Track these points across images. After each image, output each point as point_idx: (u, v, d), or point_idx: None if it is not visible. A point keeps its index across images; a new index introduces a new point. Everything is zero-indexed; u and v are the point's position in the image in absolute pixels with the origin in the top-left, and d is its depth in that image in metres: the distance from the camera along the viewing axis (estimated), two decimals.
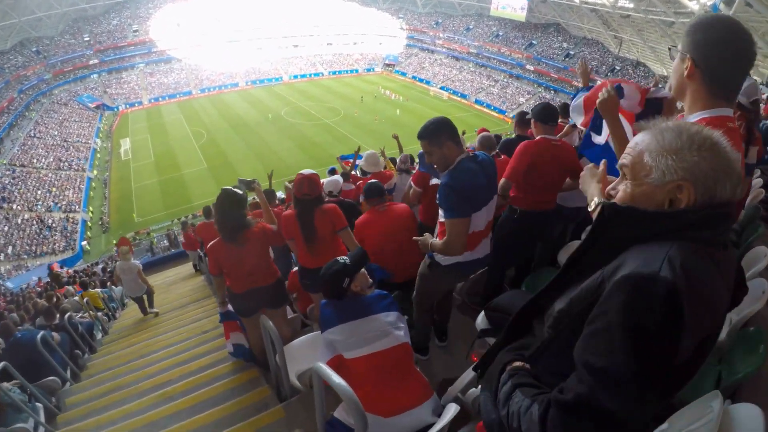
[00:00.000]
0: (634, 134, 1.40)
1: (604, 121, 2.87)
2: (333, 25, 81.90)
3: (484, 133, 5.52)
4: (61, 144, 44.94)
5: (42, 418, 4.93)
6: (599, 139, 3.23)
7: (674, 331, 1.09)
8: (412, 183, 5.09)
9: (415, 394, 2.54)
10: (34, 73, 56.31)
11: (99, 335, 9.13)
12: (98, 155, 46.03)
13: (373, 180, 4.77)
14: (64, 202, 34.55)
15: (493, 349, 1.71)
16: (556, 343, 1.44)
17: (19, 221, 30.94)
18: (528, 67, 61.50)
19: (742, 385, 2.64)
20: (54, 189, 36.09)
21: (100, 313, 10.15)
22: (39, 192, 35.20)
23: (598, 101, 2.66)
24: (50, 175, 38.46)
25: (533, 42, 63.89)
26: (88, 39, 64.36)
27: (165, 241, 25.25)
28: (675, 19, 38.78)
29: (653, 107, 3.03)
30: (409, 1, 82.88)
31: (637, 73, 52.02)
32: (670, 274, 1.09)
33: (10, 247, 28.19)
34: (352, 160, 10.59)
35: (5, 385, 4.89)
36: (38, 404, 5.16)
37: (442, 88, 65.62)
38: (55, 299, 9.99)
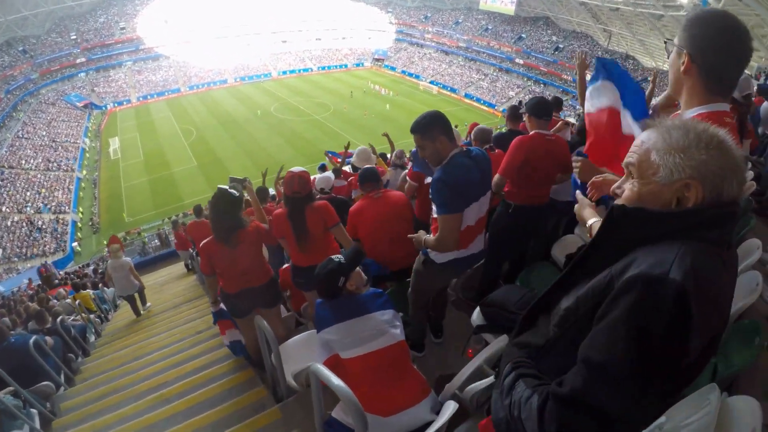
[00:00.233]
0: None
1: None
2: (322, 20, 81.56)
3: (480, 126, 5.51)
4: (50, 144, 44.47)
5: (37, 424, 4.88)
6: None
7: (682, 333, 1.09)
8: (407, 177, 5.08)
9: (412, 393, 2.53)
10: (20, 73, 55.62)
11: (92, 338, 9.05)
12: (87, 155, 45.62)
13: (368, 166, 4.70)
14: (53, 203, 34.23)
15: (512, 340, 1.74)
16: (561, 342, 1.45)
17: (9, 224, 30.62)
18: (517, 60, 61.56)
19: (739, 378, 2.66)
20: (43, 190, 35.75)
21: (92, 316, 10.08)
22: (28, 193, 34.85)
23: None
24: (39, 176, 38.07)
25: (522, 36, 63.93)
26: (75, 37, 63.66)
27: (156, 241, 25.13)
28: (664, 12, 38.91)
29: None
30: None
31: (627, 66, 52.17)
32: (680, 276, 1.09)
33: (0, 250, 27.91)
34: (341, 158, 10.55)
35: None
36: (33, 410, 5.10)
37: (431, 82, 65.59)
38: (46, 302, 9.94)
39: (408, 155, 7.82)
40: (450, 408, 2.40)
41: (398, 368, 2.59)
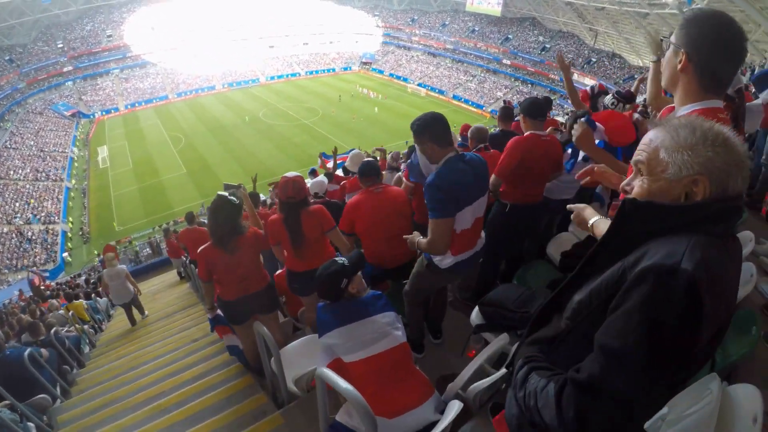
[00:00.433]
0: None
1: None
2: (309, 25, 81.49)
3: (477, 125, 5.51)
4: (38, 154, 44.06)
5: None
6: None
7: (694, 322, 1.14)
8: (403, 177, 5.07)
9: (416, 394, 2.54)
10: (7, 83, 54.99)
11: (86, 349, 8.97)
12: (76, 164, 45.22)
13: (369, 159, 4.67)
14: (43, 214, 33.89)
15: (520, 346, 1.78)
16: (573, 335, 1.49)
17: None
18: (504, 61, 61.86)
19: (737, 368, 2.69)
20: (32, 201, 35.37)
21: (86, 326, 10.00)
22: (17, 204, 34.47)
23: (574, 138, 2.74)
24: (28, 186, 37.68)
25: (509, 36, 64.23)
26: (61, 46, 63.14)
27: (147, 249, 24.99)
28: (649, 10, 39.24)
29: None
30: None
31: (613, 65, 52.59)
32: (691, 267, 1.13)
33: None
34: (331, 162, 10.54)
35: None
36: (30, 424, 5.05)
37: (419, 84, 65.75)
38: (39, 313, 9.86)
39: (402, 157, 7.84)
40: (455, 407, 2.40)
41: (401, 370, 2.60)
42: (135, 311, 10.10)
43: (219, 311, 4.68)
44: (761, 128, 5.88)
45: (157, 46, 70.20)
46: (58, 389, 6.27)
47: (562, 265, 4.26)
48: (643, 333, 1.16)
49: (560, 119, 9.76)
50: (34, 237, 30.88)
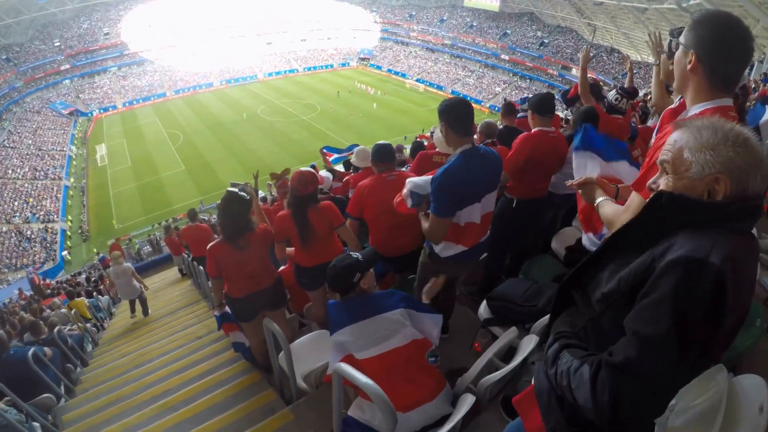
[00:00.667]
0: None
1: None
2: (306, 21, 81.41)
3: (487, 120, 5.52)
4: (36, 153, 44.00)
5: None
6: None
7: (718, 313, 1.22)
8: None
9: (429, 388, 2.54)
10: (5, 82, 54.85)
11: (89, 347, 8.95)
12: (74, 162, 45.12)
13: (384, 142, 4.59)
14: (42, 213, 33.89)
15: (550, 322, 1.83)
16: (603, 318, 1.56)
17: None
18: (503, 56, 61.84)
19: (742, 359, 2.73)
20: (31, 199, 35.34)
21: (88, 324, 10.02)
22: (16, 203, 34.45)
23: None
24: (26, 185, 37.62)
25: (507, 32, 64.17)
26: (58, 44, 62.91)
27: (148, 247, 24.98)
28: (648, 5, 39.10)
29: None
30: None
31: (612, 60, 52.63)
32: (719, 261, 1.21)
33: None
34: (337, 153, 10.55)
35: (0, 405, 4.79)
36: (35, 423, 5.05)
37: (417, 80, 65.76)
38: (40, 312, 9.87)
39: (407, 152, 7.84)
40: (467, 400, 2.42)
41: (414, 365, 2.60)
42: (139, 307, 10.24)
43: (227, 308, 4.67)
44: None
45: (155, 44, 70.04)
46: (62, 388, 6.24)
47: (566, 260, 4.28)
48: (673, 318, 1.23)
49: (560, 114, 9.80)
50: (33, 236, 30.86)
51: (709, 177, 1.33)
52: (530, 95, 6.62)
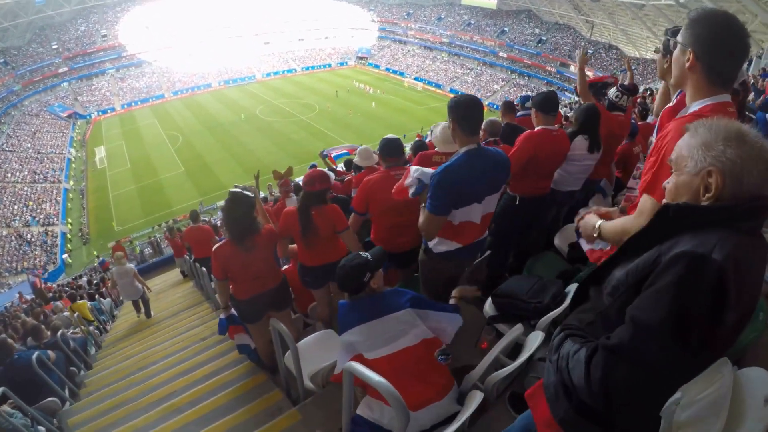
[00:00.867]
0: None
1: None
2: (304, 21, 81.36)
3: (492, 118, 5.53)
4: (35, 156, 43.97)
5: None
6: None
7: (717, 307, 1.26)
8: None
9: (438, 387, 2.55)
10: (3, 85, 54.72)
11: (92, 350, 8.97)
12: (73, 165, 45.12)
13: (393, 136, 4.58)
14: (41, 216, 33.88)
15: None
16: (611, 310, 1.61)
17: None
18: (501, 54, 61.84)
19: (745, 354, 2.75)
20: (31, 203, 35.35)
21: (91, 327, 10.04)
22: (16, 207, 34.44)
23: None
24: (26, 188, 37.62)
25: (505, 29, 64.15)
26: (56, 47, 62.87)
27: (148, 248, 24.97)
28: (645, 1, 39.11)
29: None
30: None
31: (610, 56, 52.65)
32: (721, 258, 1.25)
33: None
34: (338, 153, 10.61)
35: (6, 409, 4.78)
36: (41, 428, 5.05)
37: (416, 78, 65.74)
38: (42, 316, 9.89)
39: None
40: (476, 398, 2.43)
41: (424, 364, 2.60)
42: (142, 306, 10.41)
43: (232, 310, 4.66)
44: None
45: (152, 45, 69.95)
46: (66, 392, 6.26)
47: (570, 256, 4.31)
48: (671, 310, 1.27)
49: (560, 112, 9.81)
50: (33, 239, 30.88)
51: (702, 171, 1.39)
52: (529, 94, 6.63)
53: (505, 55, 61.34)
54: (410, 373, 2.54)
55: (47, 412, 5.54)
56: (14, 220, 32.70)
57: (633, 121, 5.69)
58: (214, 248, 4.11)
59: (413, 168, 3.34)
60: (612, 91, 5.15)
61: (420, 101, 56.08)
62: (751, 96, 7.01)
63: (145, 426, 4.72)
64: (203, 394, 4.94)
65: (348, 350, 2.60)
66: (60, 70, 61.93)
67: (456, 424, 2.37)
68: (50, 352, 6.29)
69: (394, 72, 70.65)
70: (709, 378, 1.65)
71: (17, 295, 19.13)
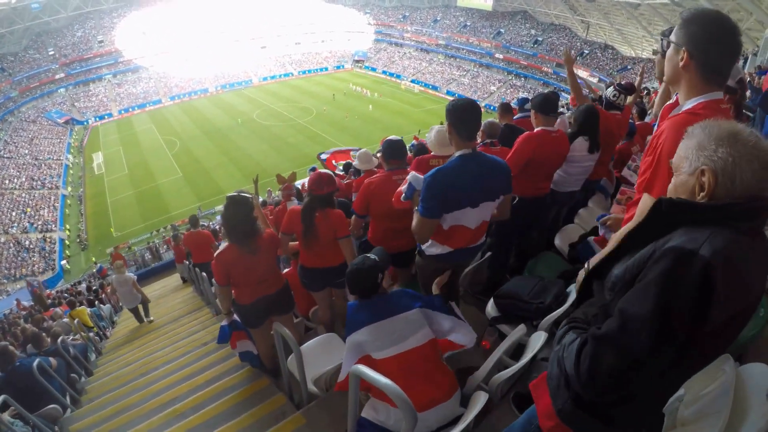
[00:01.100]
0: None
1: None
2: (300, 24, 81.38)
3: (490, 120, 5.54)
4: (33, 162, 43.84)
5: None
6: None
7: (703, 303, 1.28)
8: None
9: (444, 388, 2.56)
10: None
11: (92, 356, 8.93)
12: (71, 171, 45.00)
13: (396, 138, 4.58)
14: (39, 222, 33.81)
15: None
16: (611, 304, 1.63)
17: None
18: (497, 55, 61.94)
19: (746, 350, 2.77)
20: (29, 209, 35.24)
21: (91, 334, 10.02)
22: (14, 213, 34.32)
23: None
24: (24, 195, 37.51)
25: (501, 30, 64.27)
26: (52, 53, 62.70)
27: (147, 254, 24.92)
28: (640, 1, 39.24)
29: None
30: None
31: (606, 56, 52.74)
32: (708, 254, 1.27)
33: None
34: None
35: (6, 418, 4.76)
36: None
37: (413, 81, 65.87)
38: (43, 323, 9.88)
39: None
40: (481, 399, 2.44)
41: (430, 365, 2.61)
42: (141, 312, 10.46)
43: (235, 316, 4.62)
44: None
45: (149, 50, 69.94)
46: (67, 399, 6.22)
47: (570, 256, 4.34)
48: (656, 304, 1.31)
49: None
50: (31, 246, 30.78)
51: (696, 171, 1.43)
52: (527, 96, 6.65)
53: (501, 56, 61.45)
54: (418, 373, 2.55)
55: (49, 420, 5.49)
56: (12, 227, 32.60)
57: (631, 120, 5.71)
58: (216, 254, 4.07)
59: (410, 174, 3.36)
60: (609, 90, 5.18)
61: (417, 103, 56.18)
62: (748, 93, 7.03)
63: None
64: (206, 399, 4.90)
65: (355, 352, 2.58)
66: (57, 77, 61.82)
67: (462, 425, 2.37)
68: (52, 359, 6.25)
69: (391, 75, 70.73)
70: (711, 374, 1.66)
71: (15, 302, 19.08)
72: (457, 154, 3.05)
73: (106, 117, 59.35)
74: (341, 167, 12.83)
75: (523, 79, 57.84)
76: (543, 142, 4.18)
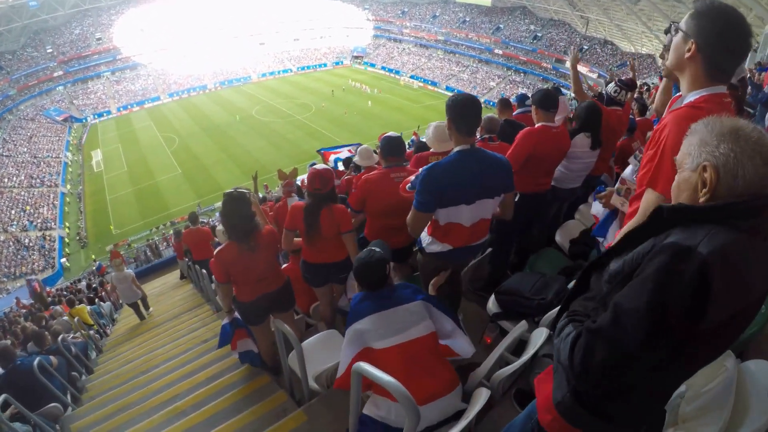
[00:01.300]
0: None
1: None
2: (299, 20, 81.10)
3: (490, 115, 5.50)
4: (32, 160, 43.79)
5: None
6: None
7: (698, 301, 1.25)
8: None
9: (446, 381, 2.56)
10: None
11: (93, 354, 8.93)
12: (70, 169, 44.93)
13: (394, 134, 4.54)
14: (39, 220, 33.80)
15: (565, 302, 1.91)
16: (609, 298, 1.62)
17: None
18: (496, 51, 61.82)
19: (748, 346, 2.77)
20: (28, 207, 35.24)
21: (91, 332, 10.02)
22: (13, 211, 34.32)
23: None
24: (23, 193, 37.49)
25: (500, 26, 64.14)
26: (51, 51, 62.46)
27: (147, 251, 24.91)
28: None
29: None
30: None
31: (605, 52, 52.64)
32: (706, 252, 1.24)
33: None
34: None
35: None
36: None
37: (412, 77, 65.75)
38: (44, 321, 9.89)
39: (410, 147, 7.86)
40: (483, 395, 2.45)
41: (432, 357, 2.61)
42: (141, 308, 10.66)
43: (236, 314, 4.62)
44: None
45: (147, 47, 69.68)
46: (68, 397, 6.21)
47: (571, 252, 4.35)
48: (650, 299, 1.29)
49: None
50: (31, 244, 30.81)
51: (698, 167, 1.41)
52: (526, 92, 6.65)
53: (500, 52, 61.32)
54: (419, 364, 2.56)
55: (49, 418, 5.51)
56: (12, 225, 32.59)
57: (631, 116, 5.70)
58: (215, 252, 4.05)
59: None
60: (610, 86, 5.17)
61: (416, 99, 56.12)
62: (749, 90, 7.04)
63: (150, 430, 4.70)
64: (207, 396, 4.90)
65: (355, 343, 2.58)
66: (55, 74, 61.65)
67: (464, 422, 2.37)
68: (52, 358, 6.24)
69: (390, 70, 70.64)
70: (713, 371, 1.67)
71: (15, 300, 19.06)
72: (456, 149, 3.02)
73: (104, 114, 59.21)
74: (334, 160, 12.87)
75: (522, 74, 57.75)
76: (543, 137, 4.16)
